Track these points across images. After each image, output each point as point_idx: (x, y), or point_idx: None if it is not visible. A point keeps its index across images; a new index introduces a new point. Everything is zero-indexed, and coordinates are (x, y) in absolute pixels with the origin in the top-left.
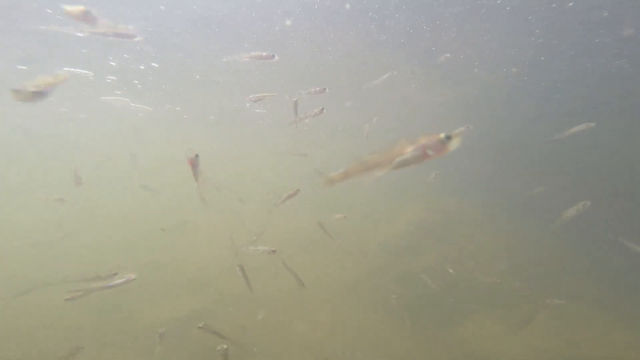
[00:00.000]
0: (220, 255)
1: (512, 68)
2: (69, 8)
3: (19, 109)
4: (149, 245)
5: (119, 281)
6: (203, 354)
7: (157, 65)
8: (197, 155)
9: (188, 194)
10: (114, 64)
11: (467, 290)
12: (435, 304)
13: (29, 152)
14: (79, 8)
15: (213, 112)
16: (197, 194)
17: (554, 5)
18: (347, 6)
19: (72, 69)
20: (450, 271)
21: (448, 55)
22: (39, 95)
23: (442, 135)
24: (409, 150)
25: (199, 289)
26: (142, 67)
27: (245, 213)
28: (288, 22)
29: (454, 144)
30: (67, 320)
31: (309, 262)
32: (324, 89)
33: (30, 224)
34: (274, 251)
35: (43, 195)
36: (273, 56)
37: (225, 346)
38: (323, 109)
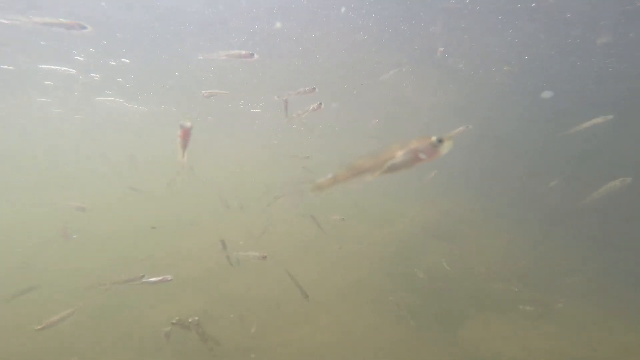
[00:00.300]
0: (222, 256)
1: (504, 67)
2: None
3: (15, 109)
4: (150, 246)
5: (154, 279)
6: (205, 356)
7: (127, 61)
8: (191, 127)
9: (189, 194)
10: (80, 58)
11: (472, 292)
12: (440, 306)
13: (25, 152)
14: None
15: (211, 113)
16: (181, 169)
17: (529, 4)
18: (343, 9)
19: (52, 67)
20: (447, 267)
21: (442, 49)
22: None
23: (433, 138)
24: (400, 154)
25: (202, 290)
26: (113, 63)
27: (246, 214)
28: (278, 24)
29: (446, 147)
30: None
31: (311, 263)
32: (314, 88)
33: (31, 223)
34: (264, 257)
35: (63, 202)
36: (252, 55)
37: (197, 317)
38: (321, 103)
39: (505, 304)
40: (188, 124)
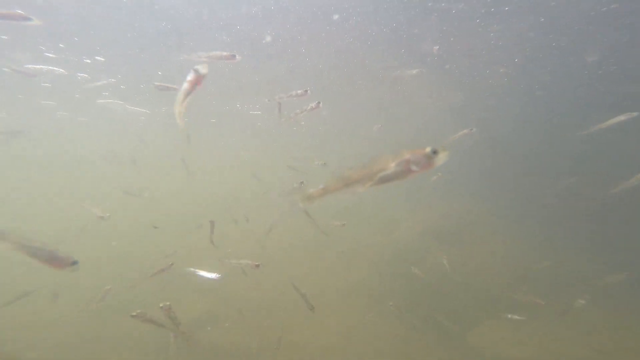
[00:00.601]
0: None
1: (500, 69)
2: None
3: (19, 112)
4: (153, 248)
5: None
6: (208, 357)
7: (102, 59)
8: (205, 75)
9: (189, 195)
10: (51, 55)
11: (474, 293)
12: (442, 307)
13: (29, 155)
14: None
15: (213, 115)
16: (178, 121)
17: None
18: (336, 17)
19: (37, 66)
20: (447, 266)
21: (437, 47)
22: None
23: (427, 149)
24: (392, 166)
25: (202, 291)
26: (87, 61)
27: (249, 216)
28: (268, 39)
29: (441, 158)
30: (71, 318)
31: (313, 267)
32: (306, 91)
33: (34, 223)
34: (257, 266)
35: (87, 207)
36: (234, 56)
37: (168, 303)
38: (319, 102)
39: (506, 306)
40: (204, 71)
